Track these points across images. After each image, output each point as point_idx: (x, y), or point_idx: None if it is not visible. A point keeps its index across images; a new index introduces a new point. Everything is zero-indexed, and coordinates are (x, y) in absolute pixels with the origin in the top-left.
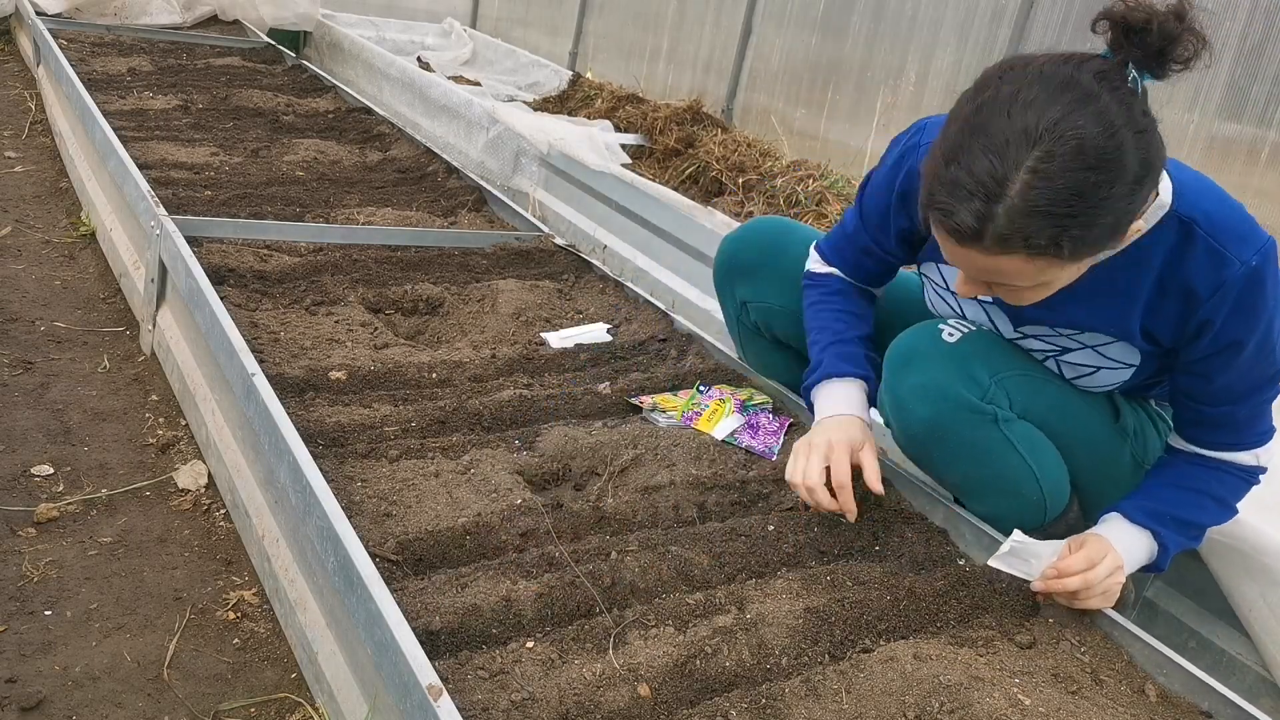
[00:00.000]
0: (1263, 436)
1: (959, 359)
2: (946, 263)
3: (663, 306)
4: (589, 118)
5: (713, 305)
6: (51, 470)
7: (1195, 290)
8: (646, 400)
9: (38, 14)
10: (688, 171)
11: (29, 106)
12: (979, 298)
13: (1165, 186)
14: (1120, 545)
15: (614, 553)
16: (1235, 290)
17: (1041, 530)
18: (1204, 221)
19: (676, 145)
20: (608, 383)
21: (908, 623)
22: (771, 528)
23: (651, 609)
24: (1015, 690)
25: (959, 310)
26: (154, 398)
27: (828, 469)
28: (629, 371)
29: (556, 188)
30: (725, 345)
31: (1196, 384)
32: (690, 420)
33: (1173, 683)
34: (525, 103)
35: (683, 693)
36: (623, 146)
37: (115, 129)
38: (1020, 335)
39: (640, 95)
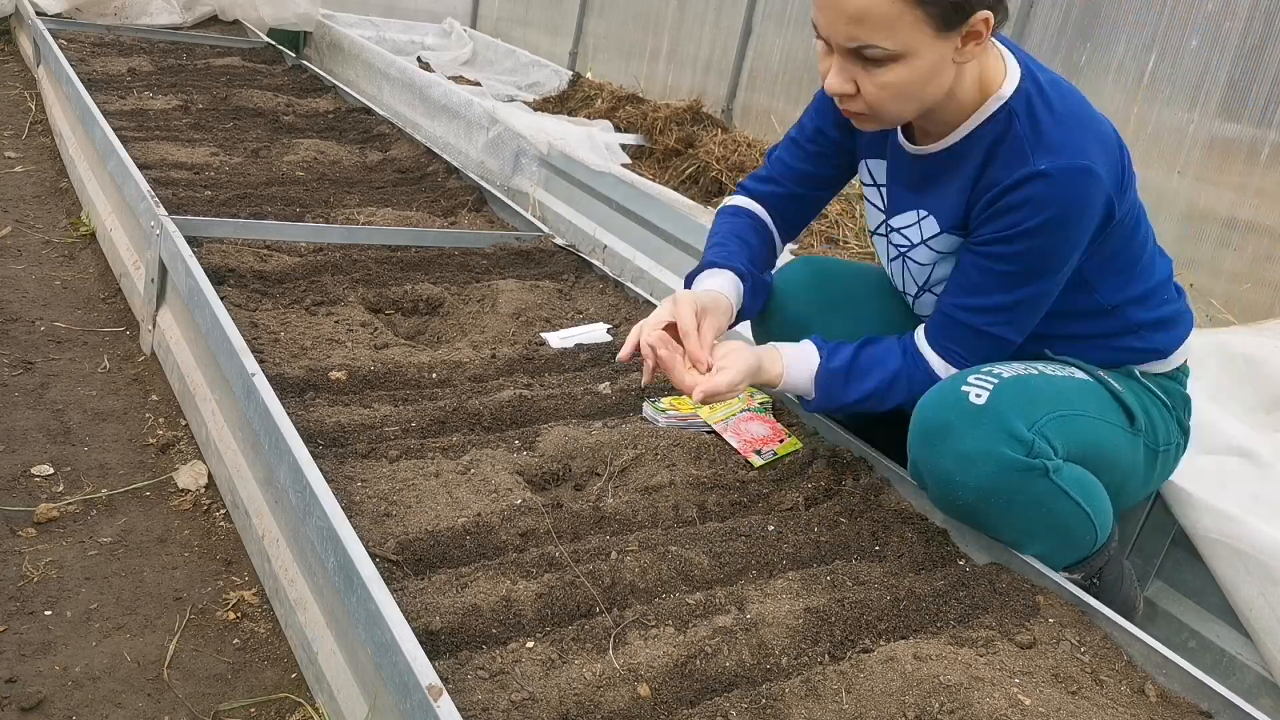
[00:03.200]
0: (958, 358)
1: (996, 418)
2: (875, 157)
3: None
4: (589, 118)
5: None
6: (51, 470)
7: (992, 183)
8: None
9: (38, 14)
10: (688, 171)
11: (29, 106)
12: (873, 185)
13: (1010, 81)
14: (791, 368)
15: (614, 553)
16: (1018, 190)
17: (1085, 563)
18: (1026, 121)
19: (676, 145)
20: (608, 383)
21: (908, 623)
22: (771, 528)
23: (651, 609)
24: (1015, 690)
25: (879, 204)
26: (154, 398)
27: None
28: (629, 371)
29: (556, 188)
30: None
31: (955, 267)
32: (692, 419)
33: (1173, 683)
34: (525, 103)
35: (683, 693)
36: (623, 146)
37: (115, 129)
38: (887, 230)
39: (640, 95)
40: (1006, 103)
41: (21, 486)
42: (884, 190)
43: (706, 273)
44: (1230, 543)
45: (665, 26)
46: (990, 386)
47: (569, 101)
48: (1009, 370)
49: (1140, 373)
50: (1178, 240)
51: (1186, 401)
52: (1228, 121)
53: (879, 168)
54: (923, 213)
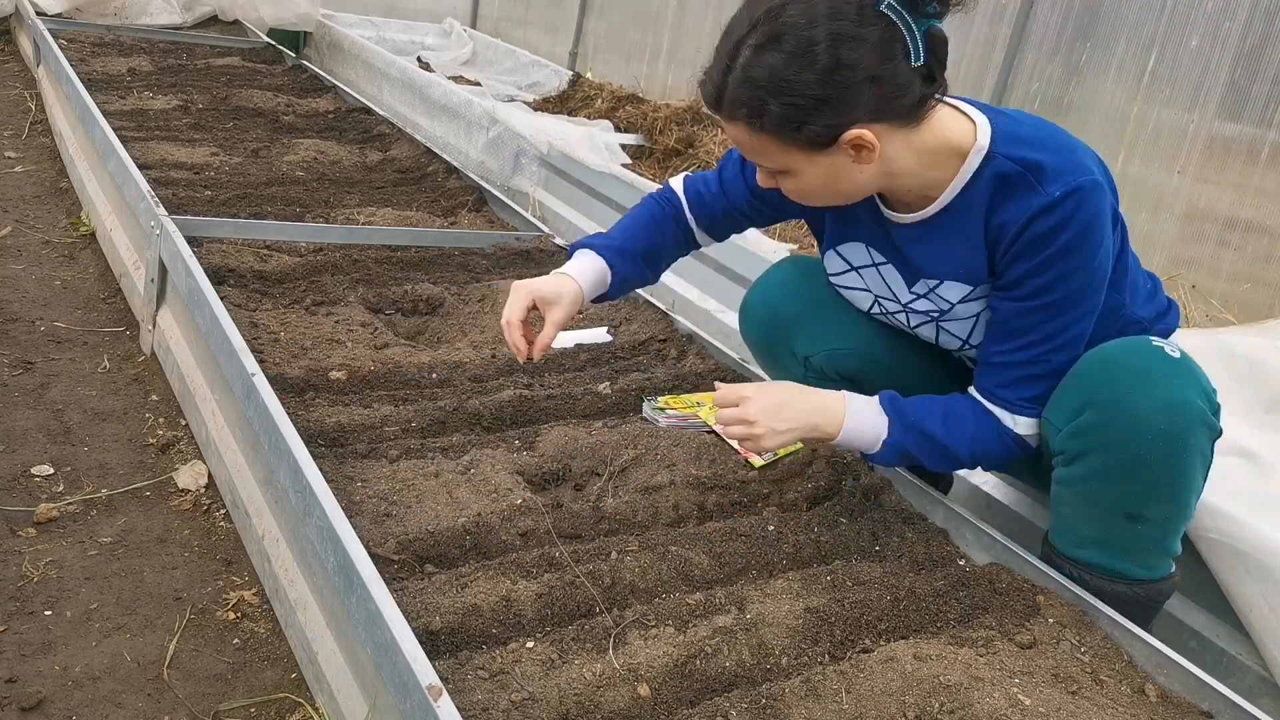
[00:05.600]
0: (1023, 405)
1: (1194, 373)
2: (843, 242)
3: (663, 306)
4: (589, 118)
5: (713, 305)
6: (51, 470)
7: (1006, 223)
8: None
9: (38, 14)
10: (688, 171)
11: (29, 106)
12: (855, 269)
13: (983, 132)
14: (854, 414)
15: (614, 553)
16: (1037, 221)
17: (1157, 584)
18: (1018, 160)
19: (676, 145)
20: (608, 383)
21: (908, 623)
22: (771, 528)
23: (651, 609)
24: (1015, 690)
25: (865, 285)
26: (154, 398)
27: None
28: (629, 371)
29: (556, 188)
30: (725, 345)
31: (992, 317)
32: (692, 419)
33: (1173, 683)
34: (525, 103)
35: (683, 693)
36: (623, 146)
37: (115, 129)
38: (913, 297)
39: (640, 95)
40: (990, 150)
41: (21, 486)
42: (881, 269)
43: (583, 252)
44: (1230, 543)
45: (665, 26)
46: (1177, 345)
47: (569, 101)
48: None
49: None
50: (1178, 240)
51: None
52: (1228, 121)
53: (857, 250)
54: (932, 281)
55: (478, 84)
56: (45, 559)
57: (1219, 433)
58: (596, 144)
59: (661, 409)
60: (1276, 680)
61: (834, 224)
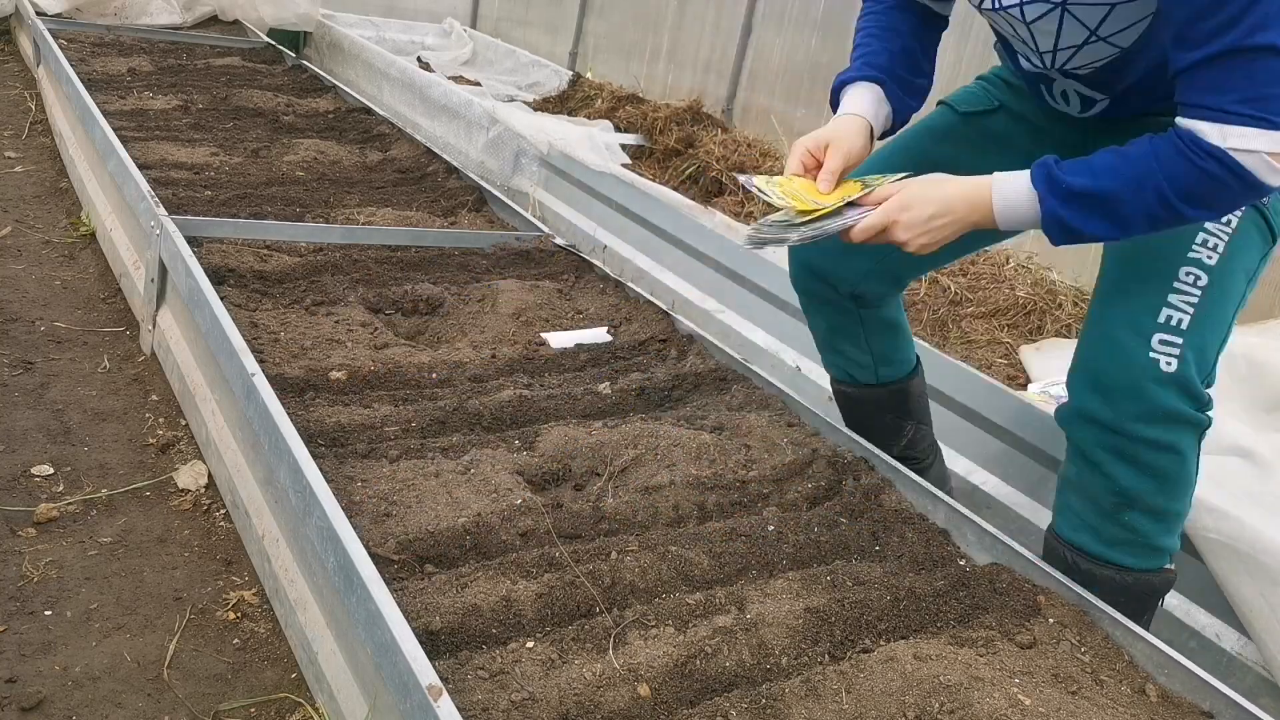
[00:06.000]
0: (1235, 109)
1: (1185, 384)
2: None
3: (663, 306)
4: (589, 118)
5: (713, 305)
6: (51, 470)
7: None
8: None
9: (38, 14)
10: (688, 171)
11: (29, 106)
12: None
13: None
14: (1000, 199)
15: (614, 553)
16: None
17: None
18: None
19: (676, 145)
20: (608, 383)
21: (908, 623)
22: (771, 528)
23: (651, 609)
24: (1015, 690)
25: None
26: (154, 398)
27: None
28: (629, 371)
29: (556, 188)
30: (725, 345)
31: (1167, 34)
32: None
33: (1174, 683)
34: (525, 103)
35: (683, 693)
36: (623, 146)
37: (115, 129)
38: None
39: (640, 95)
40: None
41: (21, 486)
42: None
43: (844, 94)
44: (1230, 543)
45: (665, 26)
46: (1177, 351)
47: (569, 101)
48: (1187, 312)
49: None
50: None
51: None
52: None
53: None
54: None
55: (478, 84)
56: (45, 559)
57: (1207, 425)
58: (596, 144)
59: (769, 194)
60: (1277, 680)
61: None
